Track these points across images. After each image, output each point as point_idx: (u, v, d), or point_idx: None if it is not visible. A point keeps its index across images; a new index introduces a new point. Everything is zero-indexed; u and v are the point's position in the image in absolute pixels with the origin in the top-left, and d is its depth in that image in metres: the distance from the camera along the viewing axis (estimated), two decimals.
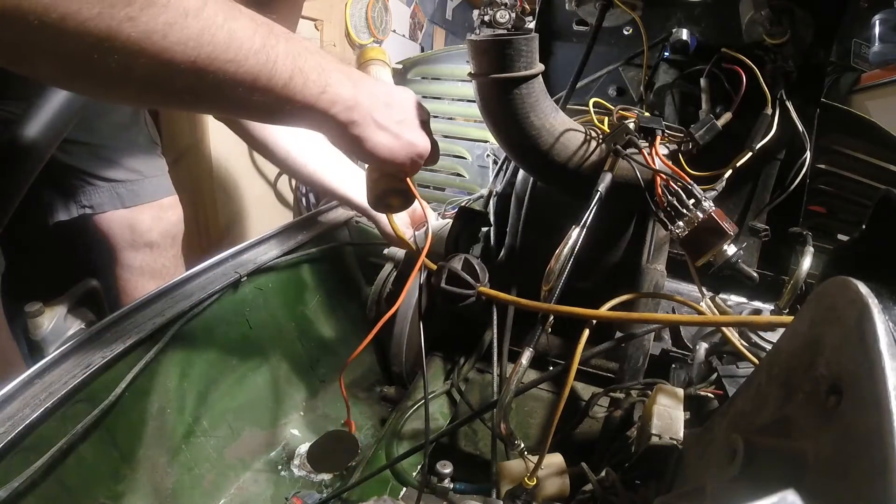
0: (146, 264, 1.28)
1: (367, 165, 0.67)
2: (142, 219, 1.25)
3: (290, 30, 0.93)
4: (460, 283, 0.65)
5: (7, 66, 0.39)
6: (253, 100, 0.47)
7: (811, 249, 0.71)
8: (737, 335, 0.65)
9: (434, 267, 0.67)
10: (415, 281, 0.77)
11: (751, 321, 0.62)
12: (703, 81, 0.81)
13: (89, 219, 1.21)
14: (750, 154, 0.75)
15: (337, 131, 0.56)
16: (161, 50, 0.39)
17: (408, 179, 0.65)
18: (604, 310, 0.58)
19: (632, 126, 0.66)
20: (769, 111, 0.77)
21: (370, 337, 0.68)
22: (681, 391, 0.59)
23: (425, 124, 0.63)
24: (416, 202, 0.68)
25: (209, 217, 2.02)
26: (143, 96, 0.51)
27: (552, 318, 0.63)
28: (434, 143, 0.64)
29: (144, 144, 1.25)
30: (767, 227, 0.90)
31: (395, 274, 0.98)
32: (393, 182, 0.65)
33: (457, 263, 0.66)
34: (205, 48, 0.41)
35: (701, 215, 0.61)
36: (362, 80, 0.57)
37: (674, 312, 0.90)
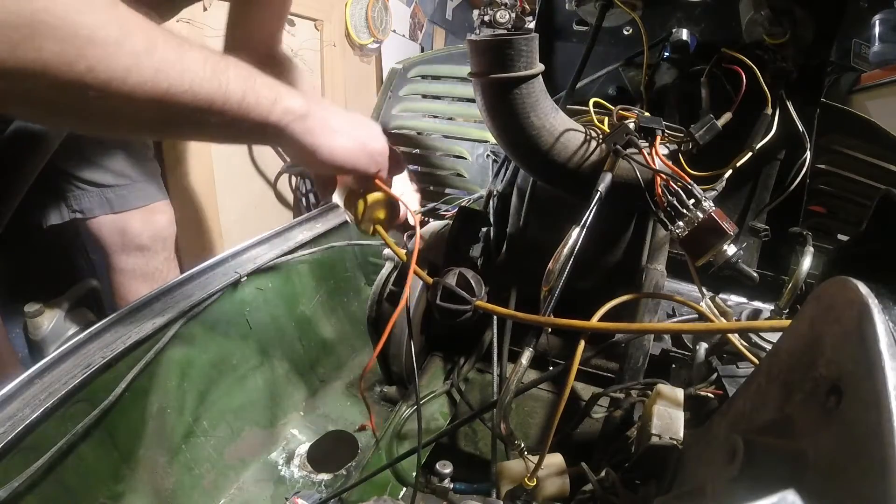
0: (138, 267, 1.28)
1: (338, 198, 0.70)
2: (131, 223, 1.25)
3: (278, 24, 0.97)
4: (456, 298, 0.64)
5: None
6: (211, 122, 0.51)
7: (811, 249, 0.71)
8: (737, 335, 0.65)
9: (429, 280, 0.67)
10: (412, 287, 0.77)
11: (749, 326, 0.62)
12: (703, 81, 0.81)
13: (81, 223, 1.21)
14: (750, 154, 0.75)
15: (295, 143, 0.58)
16: (126, 92, 0.44)
17: (380, 184, 0.66)
18: (603, 311, 0.58)
19: (632, 126, 0.66)
20: (769, 111, 0.77)
21: (378, 348, 0.69)
22: (681, 391, 0.59)
23: (381, 131, 0.66)
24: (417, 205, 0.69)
25: (209, 217, 2.02)
26: (112, 129, 0.56)
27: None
28: (392, 149, 0.67)
29: (135, 148, 1.25)
30: (767, 227, 0.90)
31: (395, 274, 0.98)
32: (368, 189, 0.66)
33: (451, 279, 0.65)
34: (161, 84, 0.46)
35: (701, 215, 0.61)
36: (313, 95, 0.63)
37: (674, 312, 0.90)
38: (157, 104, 0.46)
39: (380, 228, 0.68)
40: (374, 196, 0.66)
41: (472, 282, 0.65)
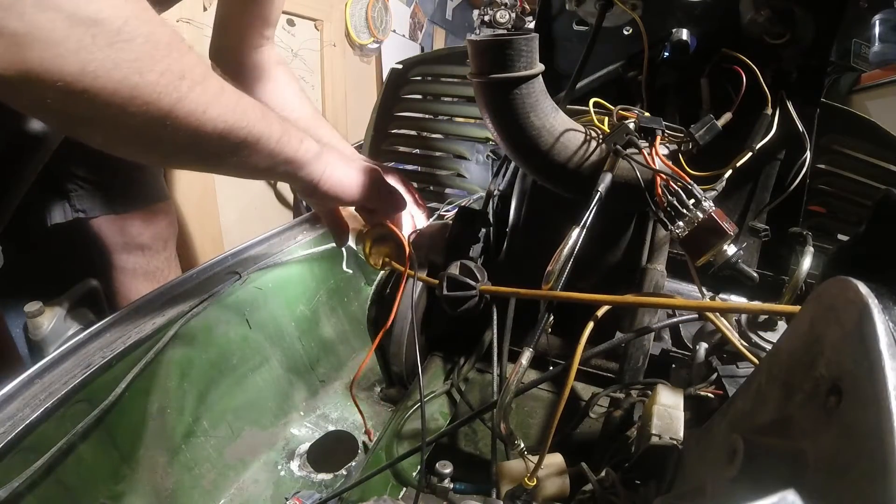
0: (139, 266, 1.29)
1: (351, 240, 0.83)
2: (132, 223, 1.26)
3: (267, 23, 1.02)
4: (461, 287, 0.67)
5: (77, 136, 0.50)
6: (254, 155, 0.59)
7: (811, 249, 0.71)
8: (737, 335, 0.65)
9: (431, 282, 0.71)
10: (408, 286, 0.81)
11: (754, 308, 0.62)
12: (703, 81, 0.81)
13: (83, 222, 1.22)
14: (750, 154, 0.75)
15: (312, 175, 0.68)
16: (198, 124, 0.51)
17: (386, 223, 0.76)
18: (604, 310, 0.58)
19: (632, 126, 0.66)
20: (769, 111, 0.77)
21: (373, 347, 0.74)
22: (681, 391, 0.59)
23: (381, 173, 0.77)
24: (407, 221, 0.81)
25: (209, 217, 2.02)
26: (165, 157, 0.63)
27: (552, 317, 0.63)
28: (393, 189, 0.77)
29: None
30: (767, 227, 0.90)
31: (395, 274, 0.98)
32: (375, 227, 0.76)
33: (454, 269, 0.68)
34: (228, 120, 0.53)
35: (701, 215, 0.61)
36: (326, 138, 0.76)
37: (674, 312, 0.90)
38: (219, 138, 0.53)
39: (393, 263, 0.76)
40: (379, 233, 0.76)
41: (474, 270, 0.69)
